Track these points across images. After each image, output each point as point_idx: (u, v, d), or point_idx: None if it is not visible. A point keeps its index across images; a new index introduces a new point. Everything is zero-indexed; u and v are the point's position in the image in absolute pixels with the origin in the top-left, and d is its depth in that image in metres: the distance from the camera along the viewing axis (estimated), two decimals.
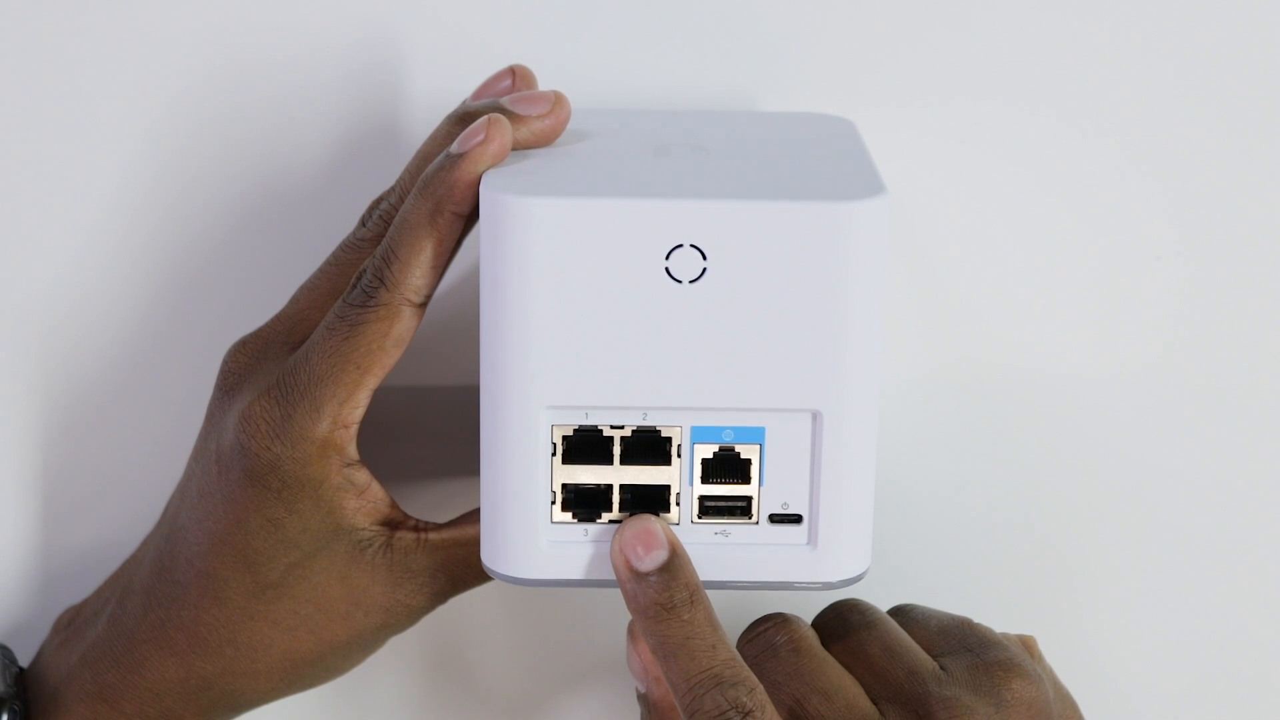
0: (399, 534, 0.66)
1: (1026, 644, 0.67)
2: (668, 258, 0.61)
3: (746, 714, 0.61)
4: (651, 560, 0.63)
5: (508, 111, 0.65)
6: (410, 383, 0.75)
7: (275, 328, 0.68)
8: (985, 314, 0.76)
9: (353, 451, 0.65)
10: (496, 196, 0.61)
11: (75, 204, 0.74)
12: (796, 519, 0.64)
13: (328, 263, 0.67)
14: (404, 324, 0.64)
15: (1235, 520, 0.78)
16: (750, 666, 0.63)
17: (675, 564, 0.63)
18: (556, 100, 0.65)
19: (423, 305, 0.64)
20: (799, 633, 0.65)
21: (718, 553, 0.64)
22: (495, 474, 0.63)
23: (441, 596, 0.67)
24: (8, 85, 0.73)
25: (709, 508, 0.64)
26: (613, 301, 0.61)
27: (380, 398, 0.67)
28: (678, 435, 0.63)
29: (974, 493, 0.77)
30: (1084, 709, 0.67)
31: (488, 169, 0.63)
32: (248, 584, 0.66)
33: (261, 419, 0.65)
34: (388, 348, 0.64)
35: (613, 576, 0.63)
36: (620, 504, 0.64)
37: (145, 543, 0.72)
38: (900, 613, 0.68)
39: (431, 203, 0.63)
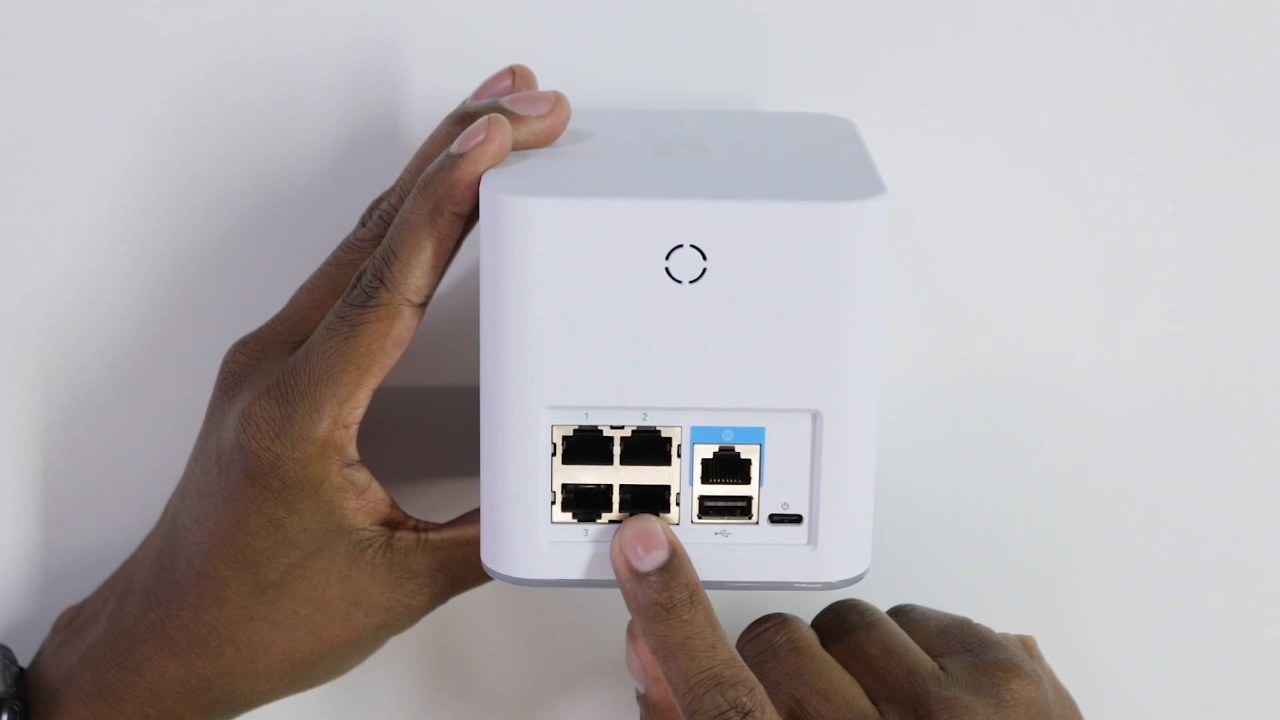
0: (399, 534, 0.66)
1: (1026, 644, 0.67)
2: (668, 258, 0.61)
3: (746, 714, 0.61)
4: (651, 560, 0.63)
5: (508, 111, 0.65)
6: (410, 383, 0.75)
7: (275, 328, 0.68)
8: (985, 314, 0.76)
9: (353, 451, 0.65)
10: (496, 196, 0.61)
11: (75, 204, 0.74)
12: (796, 519, 0.64)
13: (328, 263, 0.67)
14: (404, 324, 0.64)
15: (1235, 520, 0.78)
16: (750, 666, 0.63)
17: (675, 564, 0.63)
18: (556, 100, 0.65)
19: (423, 305, 0.64)
20: (798, 633, 0.65)
21: (718, 553, 0.64)
22: (495, 474, 0.63)
23: (441, 596, 0.67)
24: (8, 85, 0.73)
25: (709, 508, 0.64)
26: (613, 301, 0.61)
27: (380, 398, 0.67)
28: (678, 435, 0.63)
29: (974, 493, 0.77)
30: (1084, 709, 0.67)
31: (488, 169, 0.63)
32: (248, 584, 0.66)
33: (261, 419, 0.65)
34: (388, 348, 0.64)
35: (613, 576, 0.63)
36: (620, 504, 0.64)
37: (145, 543, 0.72)
38: (900, 613, 0.68)
39: (431, 203, 0.63)
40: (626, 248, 0.61)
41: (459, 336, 0.74)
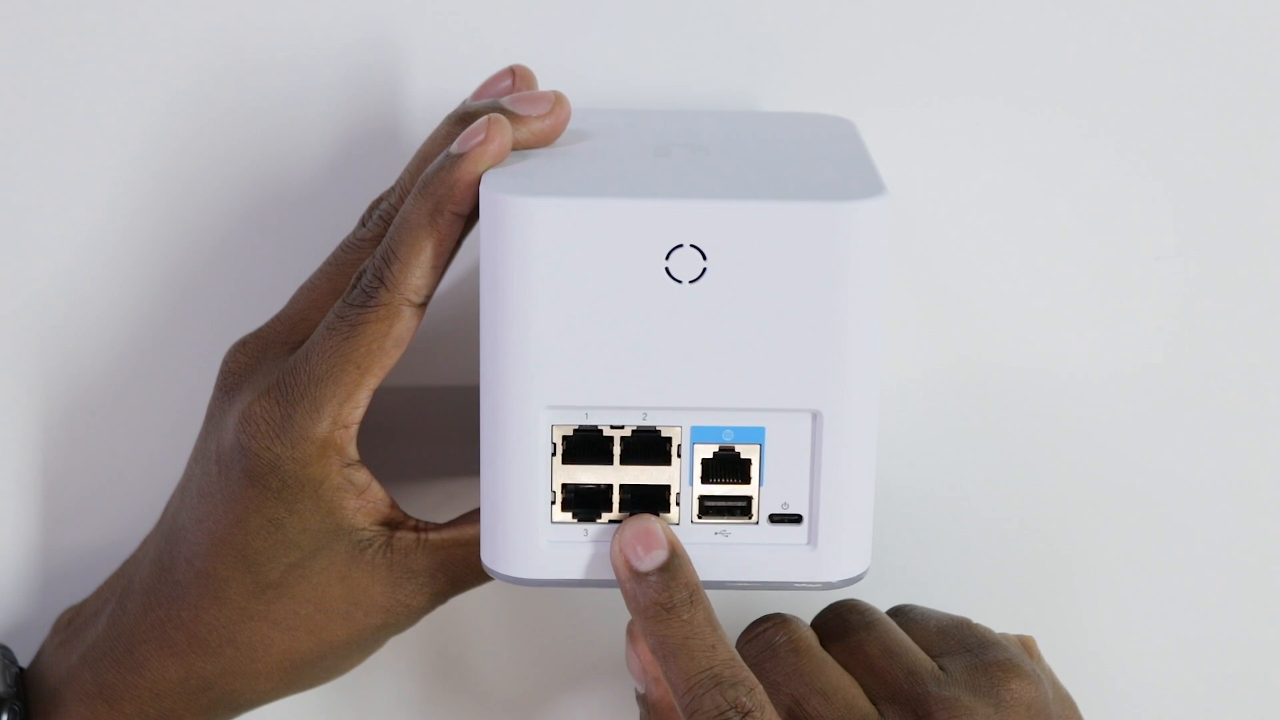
0: (399, 534, 0.66)
1: (1026, 644, 0.67)
2: (668, 258, 0.61)
3: (746, 714, 0.61)
4: (651, 560, 0.63)
5: (508, 111, 0.65)
6: (410, 383, 0.75)
7: (275, 328, 0.68)
8: (985, 314, 0.76)
9: (353, 451, 0.65)
10: (496, 196, 0.61)
11: (75, 204, 0.74)
12: (796, 519, 0.64)
13: (328, 263, 0.67)
14: (404, 324, 0.64)
15: (1235, 520, 0.78)
16: (750, 666, 0.63)
17: (675, 564, 0.63)
18: (556, 100, 0.65)
19: (423, 305, 0.64)
20: (798, 633, 0.65)
21: (718, 553, 0.64)
22: (495, 474, 0.63)
23: (441, 596, 0.67)
24: (8, 85, 0.73)
25: (709, 508, 0.64)
26: (613, 301, 0.61)
27: (380, 398, 0.67)
28: (678, 435, 0.63)
29: (974, 493, 0.77)
30: (1084, 709, 0.67)
31: (488, 169, 0.63)
32: (248, 584, 0.66)
33: (261, 419, 0.65)
34: (388, 348, 0.64)
35: (612, 576, 0.63)
36: (620, 504, 0.64)
37: (145, 543, 0.72)
38: (900, 613, 0.68)
39: (431, 203, 0.63)
40: (626, 247, 0.61)
41: (459, 336, 0.74)
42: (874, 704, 0.64)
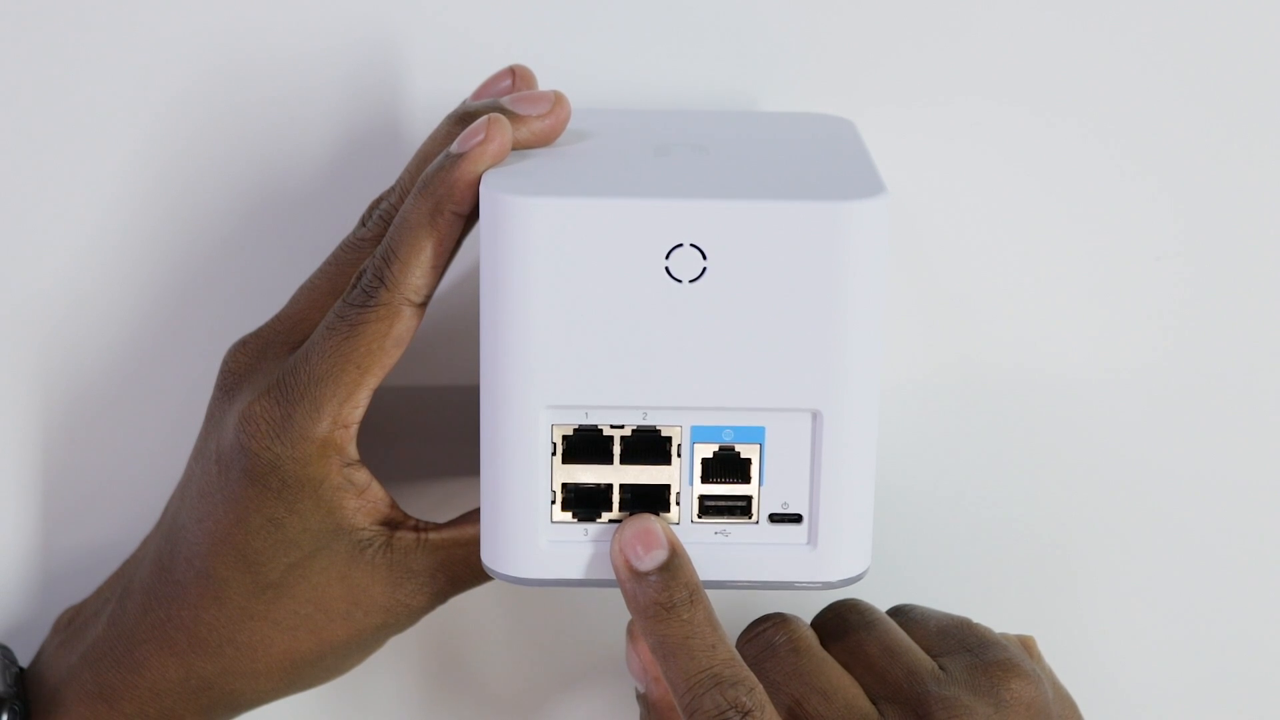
0: (399, 534, 0.66)
1: (1026, 644, 0.67)
2: (668, 257, 0.61)
3: (746, 713, 0.61)
4: (651, 560, 0.63)
5: (508, 111, 0.65)
6: (410, 383, 0.75)
7: (275, 328, 0.68)
8: (985, 314, 0.76)
9: (353, 451, 0.65)
10: (496, 196, 0.61)
11: (75, 204, 0.74)
12: (796, 519, 0.64)
13: (328, 263, 0.67)
14: (404, 324, 0.64)
15: (1235, 520, 0.78)
16: (750, 666, 0.63)
17: (675, 564, 0.63)
18: (556, 100, 0.65)
19: (423, 305, 0.64)
20: (798, 633, 0.65)
21: (718, 552, 0.64)
22: (495, 474, 0.63)
23: (441, 596, 0.67)
24: (8, 85, 0.73)
25: (709, 507, 0.64)
26: (613, 301, 0.61)
27: (380, 398, 0.67)
28: (678, 435, 0.63)
29: (974, 492, 0.77)
30: (1084, 709, 0.67)
31: (488, 169, 0.63)
32: (248, 584, 0.66)
33: (261, 419, 0.65)
34: (388, 348, 0.64)
35: (613, 576, 0.63)
36: (620, 504, 0.64)
37: (145, 542, 0.72)
38: (900, 613, 0.68)
39: (431, 203, 0.63)
40: (626, 247, 0.61)
41: (459, 336, 0.74)
42: (874, 704, 0.64)
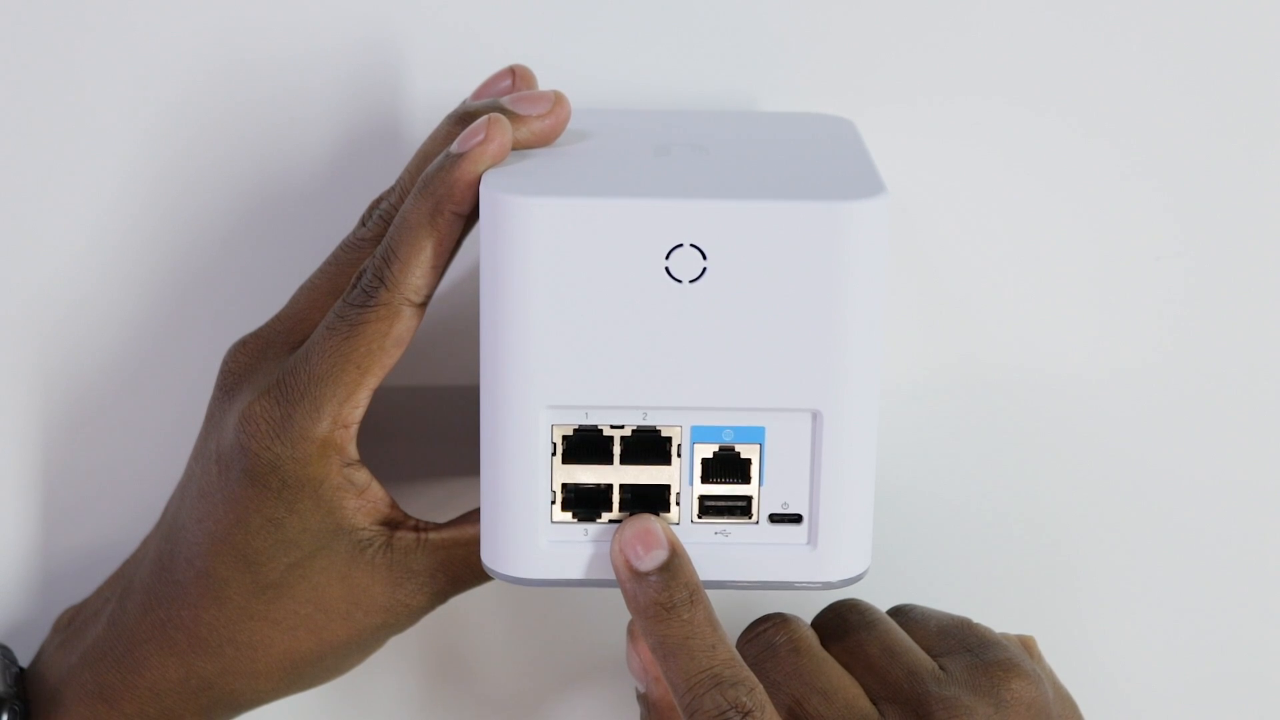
0: (399, 534, 0.66)
1: (1026, 644, 0.67)
2: (668, 257, 0.61)
3: (746, 714, 0.61)
4: (651, 560, 0.63)
5: (508, 111, 0.65)
6: (410, 383, 0.75)
7: (275, 328, 0.68)
8: (985, 314, 0.76)
9: (353, 451, 0.65)
10: (496, 196, 0.61)
11: (75, 204, 0.74)
12: (796, 519, 0.64)
13: (328, 263, 0.67)
14: (404, 324, 0.64)
15: (1235, 520, 0.78)
16: (750, 666, 0.63)
17: (675, 564, 0.63)
18: (556, 100, 0.65)
19: (423, 305, 0.64)
20: (798, 633, 0.65)
21: (718, 552, 0.64)
22: (495, 474, 0.63)
23: (441, 596, 0.67)
24: (8, 85, 0.73)
25: (709, 507, 0.64)
26: (613, 301, 0.61)
27: (380, 398, 0.67)
28: (678, 435, 0.63)
29: (974, 493, 0.77)
30: (1084, 709, 0.67)
31: (488, 169, 0.63)
32: (248, 584, 0.66)
33: (262, 419, 0.65)
34: (388, 347, 0.64)
35: (613, 576, 0.63)
36: (620, 504, 0.64)
37: (145, 542, 0.72)
38: (900, 613, 0.68)
39: (431, 202, 0.63)
40: (626, 247, 0.61)
41: (459, 336, 0.74)
42: (874, 704, 0.64)
